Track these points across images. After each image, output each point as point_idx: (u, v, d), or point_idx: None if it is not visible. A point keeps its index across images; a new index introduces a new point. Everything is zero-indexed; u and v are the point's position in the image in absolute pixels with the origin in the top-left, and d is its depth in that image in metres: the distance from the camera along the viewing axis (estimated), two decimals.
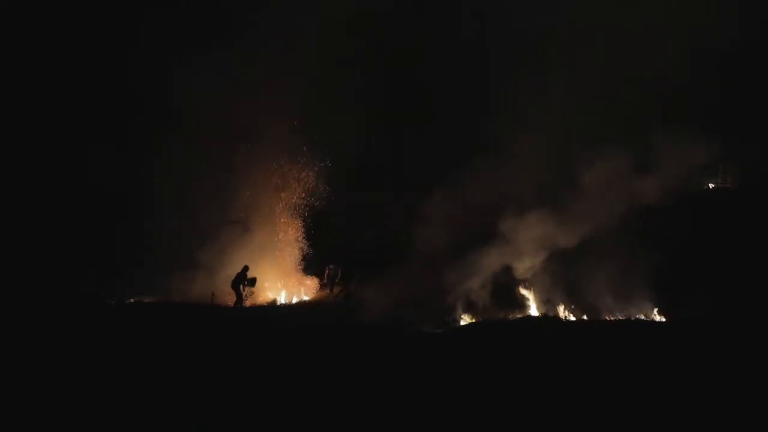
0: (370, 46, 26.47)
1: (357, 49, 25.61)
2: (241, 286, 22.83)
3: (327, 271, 24.82)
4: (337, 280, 24.22)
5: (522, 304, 21.12)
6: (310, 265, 25.46)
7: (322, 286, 24.94)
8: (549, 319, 20.03)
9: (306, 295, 24.73)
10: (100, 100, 26.77)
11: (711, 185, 27.44)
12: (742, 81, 25.79)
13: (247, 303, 23.09)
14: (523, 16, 24.40)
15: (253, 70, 24.77)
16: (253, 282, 23.22)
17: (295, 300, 24.47)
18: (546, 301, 20.83)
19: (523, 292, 21.25)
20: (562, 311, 20.59)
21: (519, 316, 20.58)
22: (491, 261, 21.20)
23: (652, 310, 20.26)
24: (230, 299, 22.84)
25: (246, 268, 23.16)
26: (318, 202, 25.79)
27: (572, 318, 20.37)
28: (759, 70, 25.91)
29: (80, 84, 26.89)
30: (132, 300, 23.17)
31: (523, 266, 21.19)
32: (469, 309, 20.81)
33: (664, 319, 20.01)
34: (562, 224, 20.65)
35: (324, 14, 24.41)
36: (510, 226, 21.13)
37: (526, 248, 21.03)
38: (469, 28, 28.13)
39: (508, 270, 21.33)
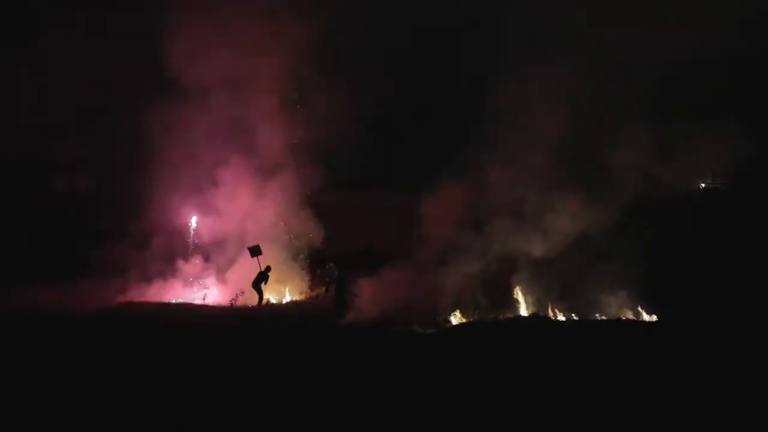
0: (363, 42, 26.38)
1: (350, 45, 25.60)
2: (262, 285, 23.15)
3: (327, 271, 24.87)
4: (333, 281, 24.24)
5: (512, 304, 21.07)
6: (302, 266, 25.43)
7: (317, 285, 24.95)
8: (539, 319, 19.97)
9: (294, 295, 24.68)
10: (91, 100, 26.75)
11: (702, 185, 27.42)
12: (737, 83, 25.79)
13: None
14: (522, 13, 24.37)
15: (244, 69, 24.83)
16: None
17: (285, 300, 24.42)
18: (536, 301, 20.79)
19: (514, 292, 21.20)
20: (552, 311, 20.53)
21: (509, 316, 20.55)
22: (483, 258, 21.26)
23: (644, 309, 20.18)
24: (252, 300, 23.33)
25: (268, 269, 23.36)
26: (311, 203, 25.76)
27: (562, 318, 20.30)
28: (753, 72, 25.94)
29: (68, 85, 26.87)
30: (121, 301, 23.14)
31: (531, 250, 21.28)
32: (460, 309, 20.75)
33: (655, 319, 19.95)
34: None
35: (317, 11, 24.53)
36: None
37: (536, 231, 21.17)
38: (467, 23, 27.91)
39: (499, 270, 21.36)
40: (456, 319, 20.58)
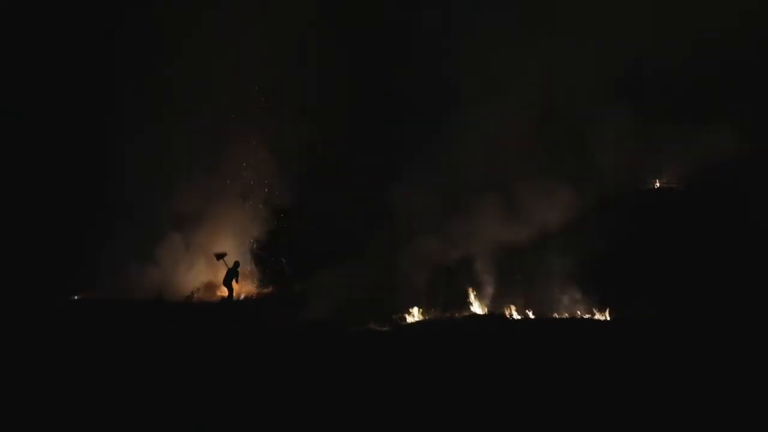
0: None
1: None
2: (233, 281, 22.98)
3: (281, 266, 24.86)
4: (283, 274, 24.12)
5: (469, 302, 21.13)
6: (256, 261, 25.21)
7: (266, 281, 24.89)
8: (495, 317, 20.14)
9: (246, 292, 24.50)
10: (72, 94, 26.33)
11: (657, 184, 27.69)
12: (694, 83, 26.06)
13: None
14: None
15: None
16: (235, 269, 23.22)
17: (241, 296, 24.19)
18: (492, 300, 20.88)
19: (470, 290, 21.25)
20: (508, 309, 20.65)
21: (465, 314, 20.64)
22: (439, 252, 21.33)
23: (598, 308, 20.38)
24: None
25: (237, 264, 23.20)
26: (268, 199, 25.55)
27: (518, 316, 20.43)
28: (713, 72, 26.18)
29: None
30: (78, 297, 22.84)
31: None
32: (416, 307, 20.78)
33: (609, 318, 20.14)
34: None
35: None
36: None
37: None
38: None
39: (455, 268, 21.47)
40: (412, 316, 20.56)
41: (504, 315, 20.39)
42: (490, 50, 22.68)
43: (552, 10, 23.06)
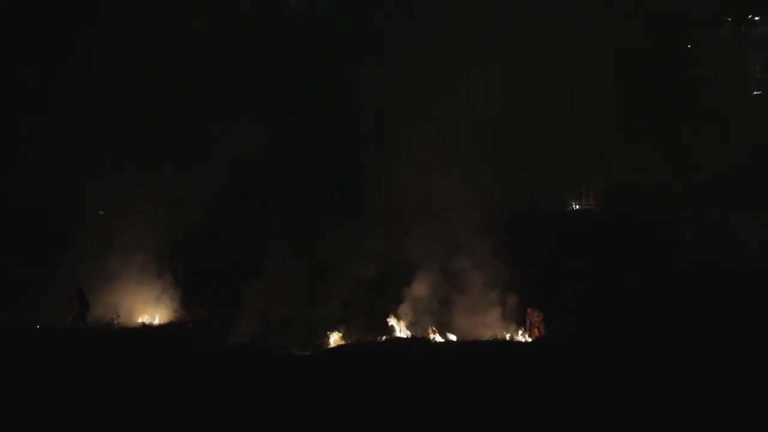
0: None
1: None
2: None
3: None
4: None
5: (391, 325, 20.93)
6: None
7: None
8: (417, 341, 20.05)
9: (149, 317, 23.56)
10: None
11: (576, 206, 28.23)
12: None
13: None
14: None
15: None
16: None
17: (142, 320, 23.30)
18: (414, 323, 20.71)
19: (392, 314, 21.03)
20: (430, 333, 20.52)
21: (387, 337, 20.47)
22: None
23: (517, 330, 20.47)
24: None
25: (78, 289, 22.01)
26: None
27: (440, 339, 20.34)
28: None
29: None
30: None
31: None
32: (339, 330, 20.46)
33: (529, 340, 20.26)
34: None
35: None
36: None
37: None
38: None
39: (378, 291, 21.26)
40: (334, 340, 20.23)
41: (426, 338, 20.26)
42: None
43: None
